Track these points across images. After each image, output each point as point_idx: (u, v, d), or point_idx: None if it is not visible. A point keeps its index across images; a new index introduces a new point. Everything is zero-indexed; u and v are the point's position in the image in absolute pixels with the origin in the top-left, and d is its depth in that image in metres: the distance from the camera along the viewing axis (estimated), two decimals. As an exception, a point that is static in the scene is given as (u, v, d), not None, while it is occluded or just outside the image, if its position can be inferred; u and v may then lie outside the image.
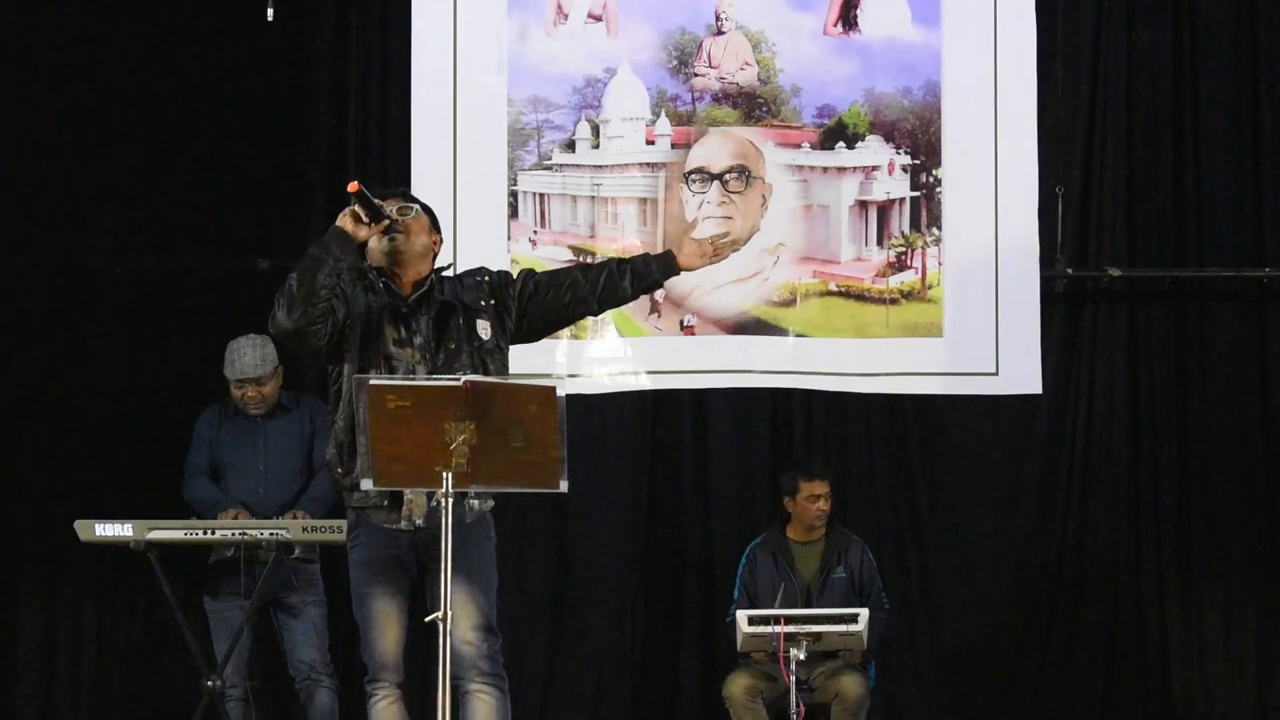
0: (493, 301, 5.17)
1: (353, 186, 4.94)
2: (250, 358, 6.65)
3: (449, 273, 5.26)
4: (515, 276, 5.26)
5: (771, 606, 6.85)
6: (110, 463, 7.42)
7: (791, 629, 6.53)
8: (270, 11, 7.23)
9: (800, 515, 7.14)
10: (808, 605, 6.95)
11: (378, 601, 5.11)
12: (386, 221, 5.02)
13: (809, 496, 7.11)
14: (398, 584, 5.12)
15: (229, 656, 6.44)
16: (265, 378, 6.68)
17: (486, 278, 5.23)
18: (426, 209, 5.23)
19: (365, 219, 4.97)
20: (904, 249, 7.63)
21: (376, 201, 4.99)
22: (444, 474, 4.57)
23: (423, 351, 5.09)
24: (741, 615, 6.66)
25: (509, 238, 7.57)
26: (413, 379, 4.90)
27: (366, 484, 4.70)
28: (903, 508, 7.85)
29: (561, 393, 4.64)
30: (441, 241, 5.26)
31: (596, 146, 7.62)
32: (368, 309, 5.11)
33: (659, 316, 7.54)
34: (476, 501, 5.04)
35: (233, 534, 6.29)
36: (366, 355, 5.07)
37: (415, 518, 4.96)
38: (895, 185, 7.62)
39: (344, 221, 4.98)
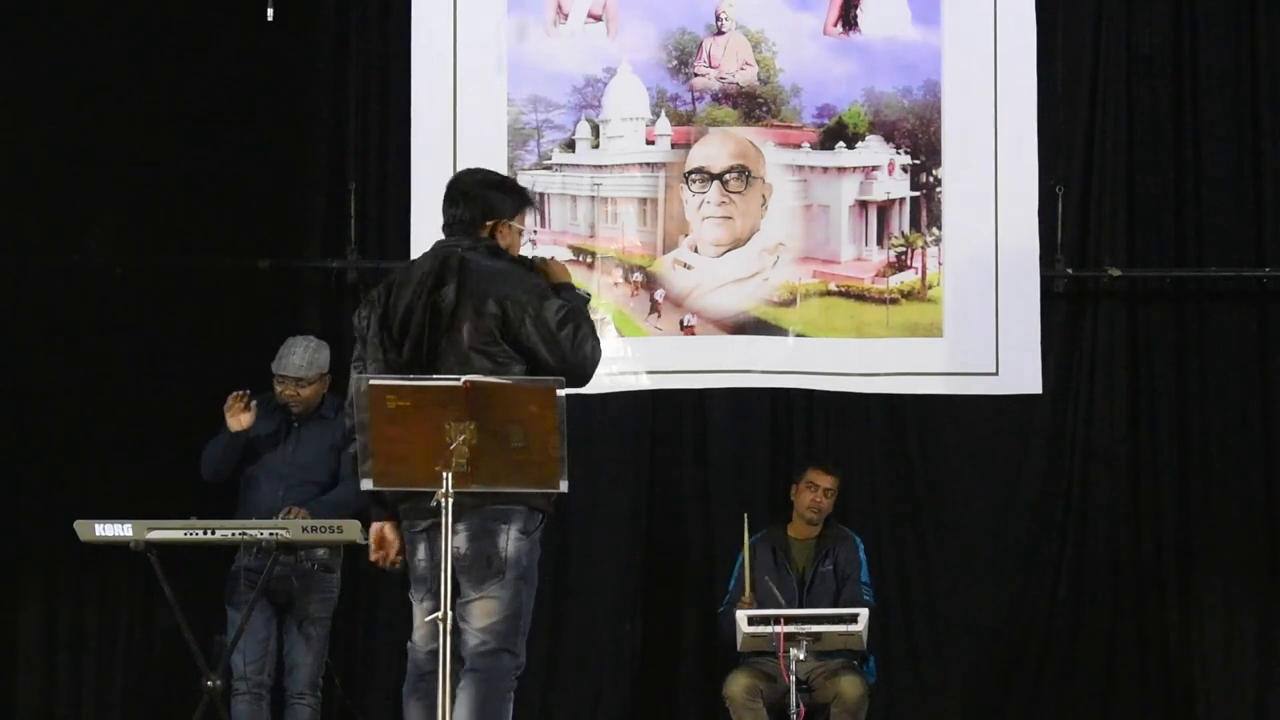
0: None
1: None
2: (298, 358, 6.59)
3: None
4: None
5: (768, 600, 6.88)
6: (110, 463, 7.40)
7: (791, 629, 6.54)
8: (270, 11, 7.23)
9: (797, 503, 7.16)
10: (800, 600, 6.98)
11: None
12: None
13: (809, 484, 7.14)
14: None
15: (229, 655, 6.42)
16: (306, 381, 6.60)
17: None
18: None
19: None
20: (904, 249, 7.63)
21: None
22: (444, 474, 4.57)
23: None
24: (741, 615, 6.67)
25: (509, 237, 7.57)
26: (414, 379, 4.88)
27: (366, 484, 4.70)
28: (903, 508, 7.85)
29: (561, 393, 4.64)
30: None
31: (596, 146, 7.62)
32: None
33: (659, 316, 7.54)
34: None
35: (233, 534, 6.27)
36: None
37: None
38: (895, 185, 7.62)
39: None
